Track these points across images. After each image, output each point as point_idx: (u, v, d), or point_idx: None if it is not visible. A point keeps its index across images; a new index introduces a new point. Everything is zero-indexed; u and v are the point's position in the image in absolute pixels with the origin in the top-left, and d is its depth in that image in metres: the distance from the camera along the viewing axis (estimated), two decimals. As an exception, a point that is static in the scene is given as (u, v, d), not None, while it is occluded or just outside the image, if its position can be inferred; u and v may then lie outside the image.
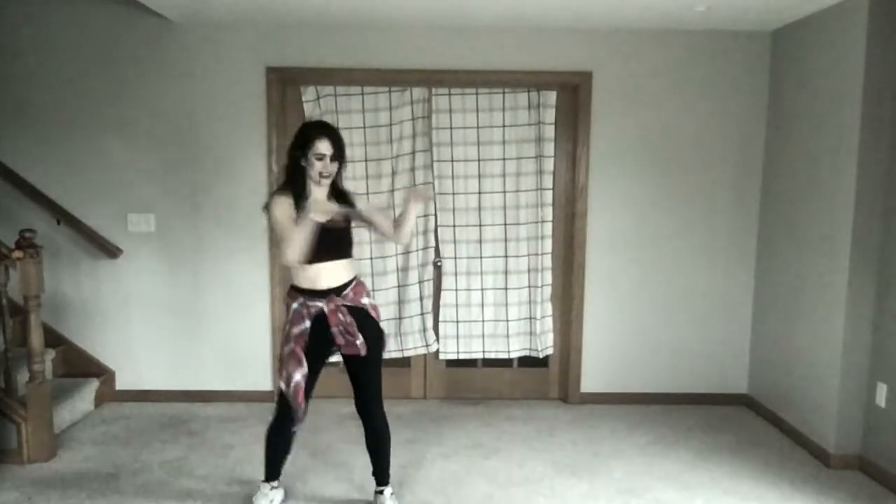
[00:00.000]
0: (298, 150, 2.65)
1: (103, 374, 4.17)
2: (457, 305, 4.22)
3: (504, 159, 4.12)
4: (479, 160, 4.12)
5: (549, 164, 4.12)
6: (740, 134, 4.11)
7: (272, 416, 2.81)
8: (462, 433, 3.80)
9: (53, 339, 4.02)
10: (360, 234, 3.52)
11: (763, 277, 4.15)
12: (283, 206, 2.62)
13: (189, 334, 4.20)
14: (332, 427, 3.83)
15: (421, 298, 4.22)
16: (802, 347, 3.70)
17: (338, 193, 2.77)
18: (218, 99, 4.02)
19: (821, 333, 3.53)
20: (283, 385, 2.68)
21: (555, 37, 4.01)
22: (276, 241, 3.74)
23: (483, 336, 4.26)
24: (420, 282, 4.21)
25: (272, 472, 2.90)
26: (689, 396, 4.29)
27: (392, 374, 4.02)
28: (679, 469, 3.38)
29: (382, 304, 4.02)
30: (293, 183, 2.67)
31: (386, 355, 3.01)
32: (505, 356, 4.29)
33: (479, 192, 4.15)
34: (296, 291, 2.70)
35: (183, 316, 4.18)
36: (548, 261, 4.21)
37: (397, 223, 2.87)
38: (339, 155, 2.68)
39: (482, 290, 4.22)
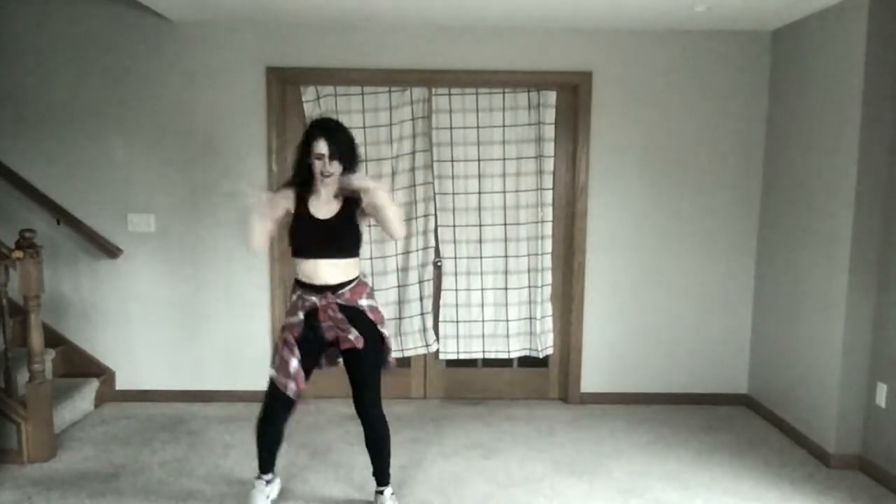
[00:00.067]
0: (303, 148, 2.70)
1: (103, 374, 4.17)
2: (457, 305, 4.22)
3: (504, 159, 4.12)
4: (479, 160, 4.12)
5: (549, 164, 4.12)
6: (740, 134, 4.11)
7: (261, 406, 2.81)
8: (462, 433, 3.80)
9: (53, 339, 4.03)
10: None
11: (763, 277, 4.15)
12: (275, 198, 2.76)
13: (189, 334, 4.20)
14: (332, 427, 3.83)
15: (421, 298, 4.22)
16: (802, 347, 3.70)
17: (348, 193, 2.71)
18: (218, 99, 4.02)
19: (821, 333, 3.53)
20: (272, 371, 2.75)
21: (555, 37, 4.01)
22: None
23: (483, 336, 4.26)
24: (420, 282, 4.21)
25: (265, 464, 2.91)
26: (689, 396, 4.29)
27: (392, 374, 3.98)
28: (679, 469, 3.38)
29: (382, 304, 4.00)
30: (295, 178, 2.76)
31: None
32: (505, 356, 4.29)
33: (479, 192, 4.15)
34: (296, 284, 2.77)
35: (183, 316, 4.18)
36: (548, 261, 4.21)
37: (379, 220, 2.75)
38: (339, 155, 2.66)
39: (482, 290, 4.22)
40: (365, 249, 4.11)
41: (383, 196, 2.65)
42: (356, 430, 2.98)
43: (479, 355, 4.29)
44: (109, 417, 3.97)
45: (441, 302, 4.23)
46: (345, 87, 4.06)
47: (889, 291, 3.23)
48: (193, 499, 3.02)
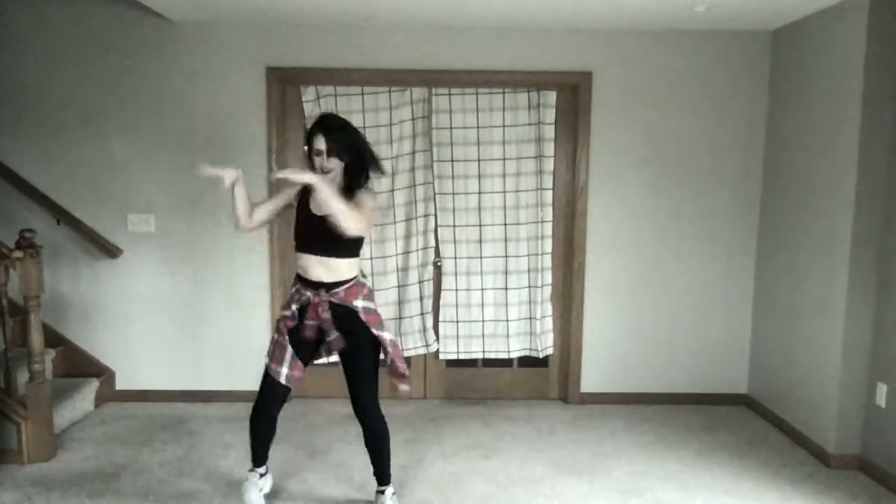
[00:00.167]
0: (306, 144, 2.75)
1: (103, 374, 4.17)
2: (457, 305, 4.22)
3: (504, 159, 4.12)
4: (479, 160, 4.12)
5: (549, 164, 4.12)
6: (740, 134, 4.11)
7: (256, 396, 2.83)
8: (462, 433, 3.80)
9: (53, 339, 4.03)
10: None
11: (763, 277, 4.15)
12: (283, 186, 2.88)
13: (189, 334, 4.20)
14: (331, 427, 3.83)
15: (421, 298, 4.22)
16: (802, 347, 3.70)
17: (351, 192, 2.67)
18: (218, 99, 4.02)
19: (821, 333, 3.53)
20: (266, 359, 2.80)
21: (555, 37, 4.01)
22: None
23: (483, 336, 4.26)
24: (420, 282, 4.21)
25: (257, 456, 2.94)
26: (689, 396, 4.29)
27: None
28: (679, 469, 3.38)
29: (382, 304, 4.02)
30: None
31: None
32: (505, 356, 4.29)
33: (479, 192, 4.15)
34: (296, 277, 2.79)
35: (183, 316, 4.18)
36: (548, 261, 4.21)
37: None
38: (338, 152, 2.65)
39: (482, 290, 4.22)
40: (365, 249, 4.11)
41: (322, 189, 2.50)
42: (355, 429, 2.98)
43: (479, 355, 4.29)
44: (109, 417, 3.96)
45: (441, 302, 4.23)
46: (345, 87, 4.06)
47: (889, 291, 3.23)
48: (193, 499, 3.02)
